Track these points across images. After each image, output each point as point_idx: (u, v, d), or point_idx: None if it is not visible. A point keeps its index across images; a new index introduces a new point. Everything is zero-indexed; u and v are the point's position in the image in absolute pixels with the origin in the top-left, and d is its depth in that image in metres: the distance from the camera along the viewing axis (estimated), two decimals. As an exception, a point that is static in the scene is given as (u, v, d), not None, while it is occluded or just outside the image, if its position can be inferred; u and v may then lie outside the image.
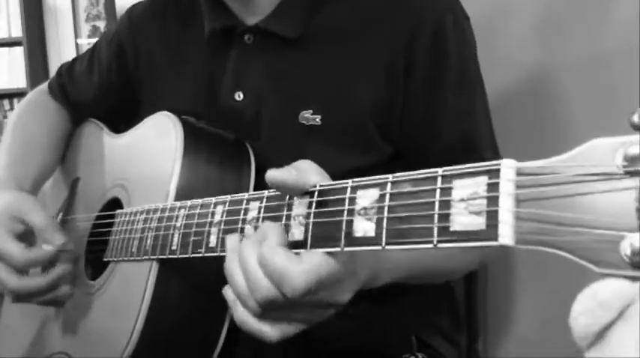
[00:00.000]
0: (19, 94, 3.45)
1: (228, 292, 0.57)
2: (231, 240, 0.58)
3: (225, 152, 0.81)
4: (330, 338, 0.83)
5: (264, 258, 0.52)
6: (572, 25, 1.03)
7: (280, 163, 0.56)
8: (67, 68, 1.09)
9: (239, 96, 0.86)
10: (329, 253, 0.51)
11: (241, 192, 0.77)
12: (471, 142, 0.82)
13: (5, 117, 3.51)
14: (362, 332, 0.86)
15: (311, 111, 0.81)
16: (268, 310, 0.54)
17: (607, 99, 0.98)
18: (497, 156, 0.85)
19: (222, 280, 0.59)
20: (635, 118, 0.34)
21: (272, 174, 0.54)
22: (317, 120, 0.81)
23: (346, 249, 0.49)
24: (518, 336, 1.15)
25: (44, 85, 1.11)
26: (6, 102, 3.54)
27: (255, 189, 0.79)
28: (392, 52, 0.80)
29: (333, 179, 0.55)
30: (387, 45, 0.81)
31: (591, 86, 1.01)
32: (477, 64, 0.85)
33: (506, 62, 1.13)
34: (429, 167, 0.87)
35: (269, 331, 0.55)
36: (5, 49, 3.46)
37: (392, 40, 0.80)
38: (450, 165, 0.86)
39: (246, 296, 0.54)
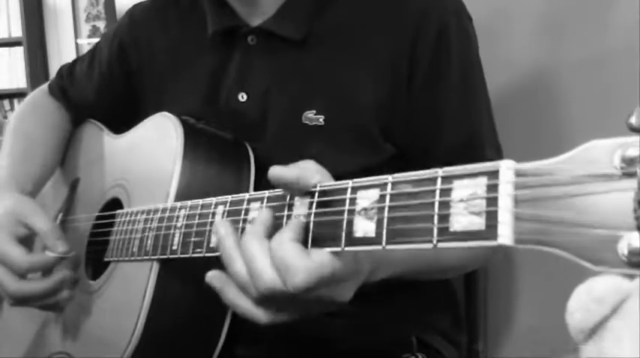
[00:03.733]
0: (19, 94, 3.45)
1: (214, 279, 0.59)
2: (226, 225, 0.59)
3: (225, 152, 0.82)
4: (330, 338, 0.83)
5: (273, 248, 0.53)
6: (572, 26, 1.04)
7: (284, 164, 0.56)
8: (68, 69, 1.09)
9: (242, 97, 0.86)
10: (334, 253, 0.52)
11: (241, 193, 0.78)
12: (473, 143, 0.83)
13: (5, 117, 3.50)
14: (362, 332, 0.86)
15: (314, 111, 0.82)
16: (267, 298, 0.55)
17: (607, 99, 0.98)
18: (499, 155, 0.85)
19: None
20: (632, 120, 0.34)
21: (275, 172, 0.55)
22: (320, 120, 0.81)
23: (347, 248, 0.50)
24: (518, 336, 1.15)
25: (44, 86, 1.10)
26: (6, 102, 3.54)
27: (255, 190, 0.79)
28: (396, 52, 0.80)
29: (337, 179, 0.55)
30: (390, 45, 0.81)
31: (592, 86, 1.01)
32: (479, 66, 0.86)
33: (507, 62, 1.13)
34: (432, 167, 0.87)
35: (262, 315, 0.57)
36: (5, 49, 3.47)
37: (396, 40, 0.81)
38: (453, 166, 0.86)
39: (247, 284, 0.55)
